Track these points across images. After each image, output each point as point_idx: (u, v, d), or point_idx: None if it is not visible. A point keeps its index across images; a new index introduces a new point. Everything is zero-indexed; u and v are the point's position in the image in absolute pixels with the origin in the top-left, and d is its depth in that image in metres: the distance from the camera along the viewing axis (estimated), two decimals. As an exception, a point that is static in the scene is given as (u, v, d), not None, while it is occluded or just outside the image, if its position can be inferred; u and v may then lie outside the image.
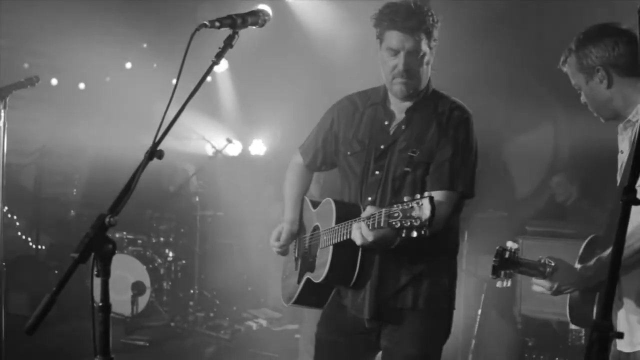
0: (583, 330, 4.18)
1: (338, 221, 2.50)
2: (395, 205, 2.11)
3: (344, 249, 2.46)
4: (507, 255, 2.35)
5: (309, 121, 2.97)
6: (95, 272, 1.67)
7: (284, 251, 2.90)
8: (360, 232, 2.27)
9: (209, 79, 7.41)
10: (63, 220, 7.66)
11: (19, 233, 7.24)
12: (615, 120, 2.44)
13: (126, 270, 6.26)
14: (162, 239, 6.93)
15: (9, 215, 7.01)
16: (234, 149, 7.29)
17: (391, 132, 2.61)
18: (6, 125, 3.91)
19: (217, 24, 2.05)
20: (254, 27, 2.18)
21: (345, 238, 2.41)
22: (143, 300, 6.24)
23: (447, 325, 2.63)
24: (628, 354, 2.28)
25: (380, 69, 2.61)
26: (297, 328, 5.83)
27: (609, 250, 2.25)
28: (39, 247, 7.05)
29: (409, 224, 2.05)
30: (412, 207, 2.05)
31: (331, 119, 2.79)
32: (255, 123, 8.08)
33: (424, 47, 2.50)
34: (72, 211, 7.76)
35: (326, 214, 2.60)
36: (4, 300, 3.85)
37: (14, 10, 6.52)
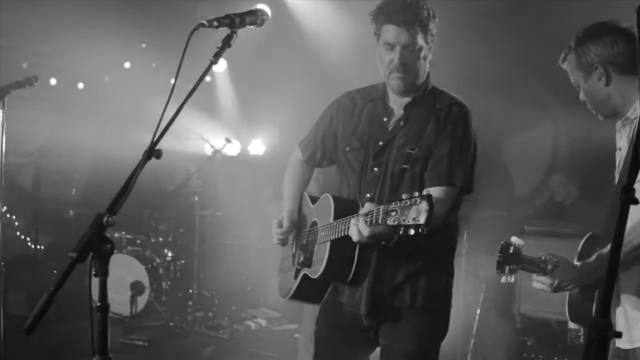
0: (582, 330, 4.18)
1: (336, 217, 2.50)
2: (393, 203, 2.10)
3: (342, 246, 2.45)
4: (511, 251, 2.36)
5: (308, 120, 2.98)
6: (94, 272, 1.67)
7: (285, 240, 2.89)
8: (357, 229, 2.27)
9: (208, 78, 7.39)
10: (62, 220, 7.65)
11: (18, 233, 7.23)
12: (613, 117, 2.45)
13: (125, 270, 6.26)
14: (161, 238, 6.93)
15: (8, 215, 7.00)
16: (232, 149, 7.29)
17: (390, 129, 2.61)
18: (5, 125, 3.91)
19: (215, 23, 2.05)
20: (252, 26, 2.18)
21: (342, 234, 2.40)
22: (142, 300, 6.24)
23: (445, 323, 2.64)
24: (627, 350, 2.28)
25: (379, 65, 2.62)
26: (296, 327, 5.83)
27: (608, 247, 2.25)
28: (38, 247, 7.04)
29: (406, 222, 2.05)
30: (410, 204, 2.05)
31: (330, 116, 2.80)
32: (254, 123, 8.08)
33: (420, 41, 2.50)
34: (71, 211, 7.76)
35: (324, 210, 2.60)
36: (2, 300, 3.84)
37: (13, 10, 6.51)
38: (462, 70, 5.01)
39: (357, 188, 2.61)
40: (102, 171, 6.77)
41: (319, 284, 2.65)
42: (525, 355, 4.85)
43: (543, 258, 2.35)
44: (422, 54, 2.54)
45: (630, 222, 1.46)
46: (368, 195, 2.56)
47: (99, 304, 1.69)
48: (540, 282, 2.38)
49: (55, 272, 6.28)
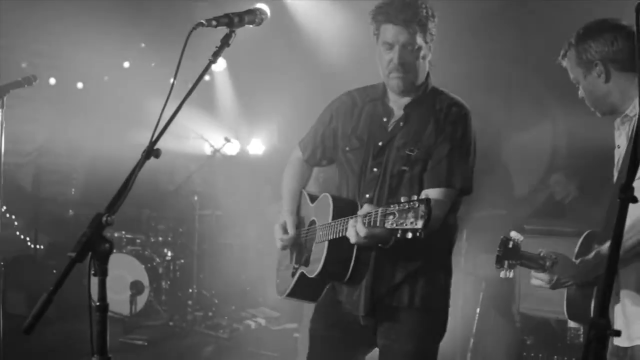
0: (581, 328, 4.18)
1: (335, 217, 2.50)
2: (391, 205, 2.11)
3: (339, 246, 2.45)
4: (510, 245, 2.36)
5: (307, 120, 2.98)
6: (93, 272, 1.67)
7: (288, 245, 2.85)
8: (355, 230, 2.27)
9: (207, 77, 7.41)
10: (61, 220, 7.65)
11: (17, 232, 7.24)
12: (611, 115, 2.45)
13: (125, 269, 6.26)
14: (160, 238, 6.93)
15: (7, 215, 7.00)
16: (232, 148, 7.29)
17: (389, 129, 2.61)
18: (4, 125, 3.90)
19: (214, 22, 2.05)
20: (251, 25, 2.18)
21: (340, 235, 2.40)
22: (142, 300, 6.24)
23: (444, 323, 2.63)
24: (626, 348, 2.28)
25: (378, 65, 2.62)
26: (296, 327, 5.83)
27: (607, 244, 2.25)
28: (37, 246, 7.05)
29: (403, 225, 2.05)
30: (408, 208, 2.05)
31: (330, 115, 2.80)
32: (253, 122, 8.08)
33: (419, 40, 2.50)
34: (70, 210, 7.75)
35: (323, 209, 2.60)
36: (2, 300, 3.84)
37: (13, 10, 6.51)
38: (461, 70, 5.01)
39: (357, 188, 2.61)
40: (101, 171, 6.76)
41: (316, 283, 2.65)
42: (524, 354, 4.85)
43: (542, 254, 2.35)
44: (422, 53, 2.53)
45: (629, 221, 1.46)
46: (367, 195, 2.56)
47: (98, 303, 1.69)
48: (538, 279, 2.38)
49: (54, 271, 6.28)
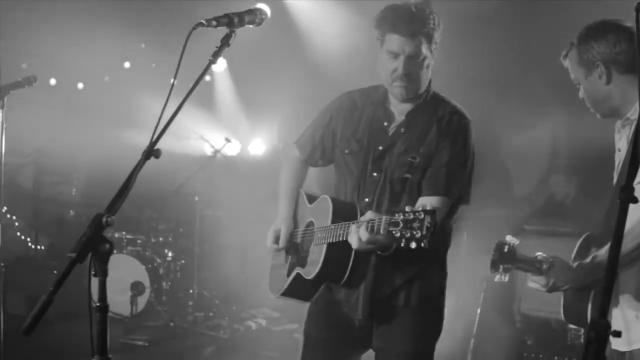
0: (582, 329, 4.18)
1: (334, 220, 2.50)
2: (396, 214, 2.11)
3: (338, 249, 2.45)
4: (505, 250, 2.36)
5: (307, 120, 2.97)
6: (93, 272, 1.67)
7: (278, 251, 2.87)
8: (357, 236, 2.26)
9: (207, 78, 7.42)
10: (62, 220, 7.65)
11: (18, 233, 7.23)
12: (611, 117, 2.44)
13: (125, 270, 6.25)
14: (161, 238, 6.92)
15: (8, 216, 6.99)
16: (232, 149, 7.28)
17: (390, 134, 2.61)
18: (4, 125, 3.91)
19: (214, 23, 2.05)
20: (250, 25, 2.18)
21: (341, 239, 2.40)
22: (142, 300, 6.23)
23: (440, 323, 2.65)
24: (624, 353, 2.27)
25: (380, 71, 2.61)
26: (296, 328, 5.83)
27: (604, 249, 2.25)
28: (38, 247, 7.04)
29: (409, 234, 2.06)
30: (413, 218, 2.07)
31: (330, 115, 2.79)
32: (254, 122, 8.07)
33: (425, 50, 2.50)
34: (71, 211, 7.75)
35: (322, 212, 2.60)
36: (2, 300, 3.85)
37: (13, 11, 6.51)
38: (461, 71, 5.01)
39: (356, 191, 2.61)
40: (102, 171, 6.76)
41: (312, 284, 2.65)
42: (525, 354, 4.85)
43: (538, 258, 2.35)
44: (426, 63, 2.54)
45: (627, 225, 1.46)
46: (367, 199, 2.56)
47: (98, 304, 1.69)
48: (535, 282, 2.38)
49: (55, 272, 6.27)
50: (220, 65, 7.50)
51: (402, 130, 2.59)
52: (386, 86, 2.62)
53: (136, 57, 8.03)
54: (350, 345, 2.70)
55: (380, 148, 2.59)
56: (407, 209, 2.10)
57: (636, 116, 2.32)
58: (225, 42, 2.06)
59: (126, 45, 7.57)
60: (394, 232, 2.10)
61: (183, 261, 6.93)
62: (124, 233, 6.82)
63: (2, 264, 3.92)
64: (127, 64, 8.16)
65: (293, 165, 2.94)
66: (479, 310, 4.95)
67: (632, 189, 1.36)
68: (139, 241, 6.85)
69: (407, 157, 2.53)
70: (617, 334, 1.33)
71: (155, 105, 2.71)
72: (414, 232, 2.05)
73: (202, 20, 2.00)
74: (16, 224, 7.20)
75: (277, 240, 2.81)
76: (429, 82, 2.63)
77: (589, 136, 3.97)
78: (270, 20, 2.29)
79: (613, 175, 2.44)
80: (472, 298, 5.03)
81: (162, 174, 7.12)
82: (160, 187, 7.04)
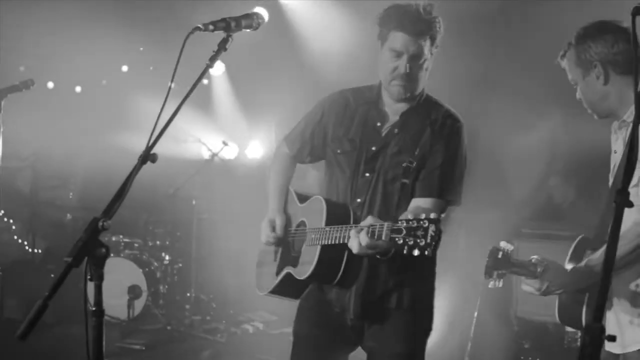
0: (579, 333, 4.18)
1: (328, 222, 2.50)
2: (399, 222, 2.12)
3: (332, 250, 2.46)
4: (499, 256, 2.36)
5: (305, 123, 2.96)
6: (89, 276, 1.66)
7: (277, 242, 2.83)
8: (358, 241, 2.26)
9: (205, 81, 7.41)
10: (59, 224, 7.63)
11: (15, 236, 7.22)
12: (608, 118, 2.44)
13: (122, 273, 6.22)
14: (158, 242, 6.91)
15: (5, 219, 6.99)
16: (230, 152, 7.27)
17: (383, 134, 2.62)
18: (2, 129, 3.91)
19: (211, 27, 2.05)
20: (248, 30, 2.18)
21: (337, 242, 2.40)
22: (139, 304, 6.21)
23: (429, 322, 2.67)
24: (617, 355, 2.27)
25: (379, 69, 2.61)
26: (294, 331, 5.81)
27: (599, 252, 2.25)
28: (35, 250, 7.02)
29: (412, 242, 2.07)
30: (417, 226, 2.07)
31: (321, 113, 2.78)
32: (251, 125, 8.07)
33: (427, 52, 2.52)
34: (68, 215, 7.73)
35: (315, 212, 2.59)
36: (-1, 304, 3.84)
37: (11, 13, 6.51)
38: (460, 72, 5.02)
39: (347, 191, 2.62)
40: (99, 175, 6.75)
41: (302, 283, 2.65)
42: (522, 358, 4.85)
43: (533, 261, 2.35)
44: (426, 65, 2.56)
45: (622, 229, 1.46)
46: (359, 200, 2.57)
47: (94, 308, 1.68)
48: (529, 285, 2.38)
49: (52, 276, 6.26)
50: (218, 69, 7.51)
51: (396, 130, 2.59)
52: (383, 84, 2.62)
53: (134, 60, 8.03)
54: (340, 344, 2.71)
55: (374, 148, 2.59)
56: (410, 216, 2.11)
57: (632, 119, 2.32)
58: (222, 46, 2.06)
59: (124, 49, 7.57)
60: (396, 239, 2.11)
61: (180, 265, 6.92)
62: (121, 236, 6.81)
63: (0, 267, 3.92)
64: (125, 68, 8.15)
65: (282, 162, 2.93)
66: (476, 314, 4.95)
67: (628, 193, 1.36)
68: (136, 245, 6.84)
69: (401, 159, 2.54)
70: (612, 339, 1.33)
71: (153, 108, 2.70)
72: (418, 240, 2.06)
73: (199, 25, 2.01)
74: (13, 227, 7.19)
75: (273, 229, 2.78)
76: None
77: (588, 139, 3.98)
78: (268, 23, 2.30)
79: (609, 178, 2.44)
80: (469, 301, 5.03)
81: (159, 178, 7.12)
82: (157, 190, 7.03)
